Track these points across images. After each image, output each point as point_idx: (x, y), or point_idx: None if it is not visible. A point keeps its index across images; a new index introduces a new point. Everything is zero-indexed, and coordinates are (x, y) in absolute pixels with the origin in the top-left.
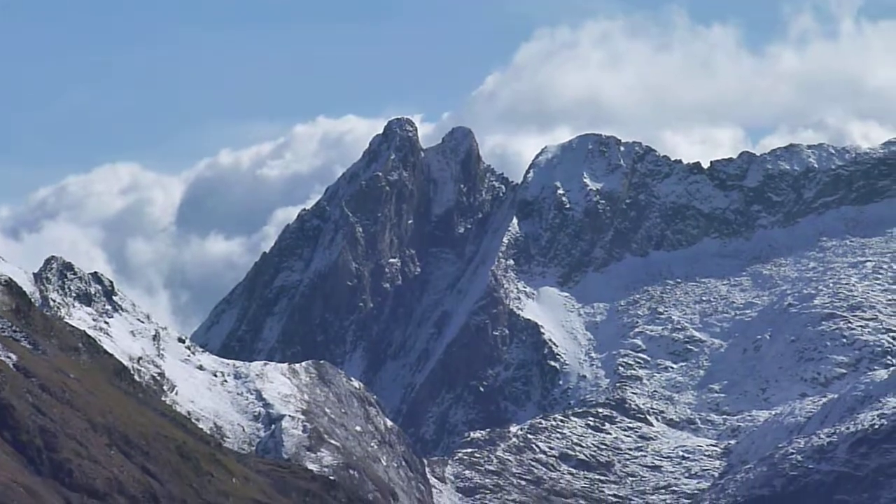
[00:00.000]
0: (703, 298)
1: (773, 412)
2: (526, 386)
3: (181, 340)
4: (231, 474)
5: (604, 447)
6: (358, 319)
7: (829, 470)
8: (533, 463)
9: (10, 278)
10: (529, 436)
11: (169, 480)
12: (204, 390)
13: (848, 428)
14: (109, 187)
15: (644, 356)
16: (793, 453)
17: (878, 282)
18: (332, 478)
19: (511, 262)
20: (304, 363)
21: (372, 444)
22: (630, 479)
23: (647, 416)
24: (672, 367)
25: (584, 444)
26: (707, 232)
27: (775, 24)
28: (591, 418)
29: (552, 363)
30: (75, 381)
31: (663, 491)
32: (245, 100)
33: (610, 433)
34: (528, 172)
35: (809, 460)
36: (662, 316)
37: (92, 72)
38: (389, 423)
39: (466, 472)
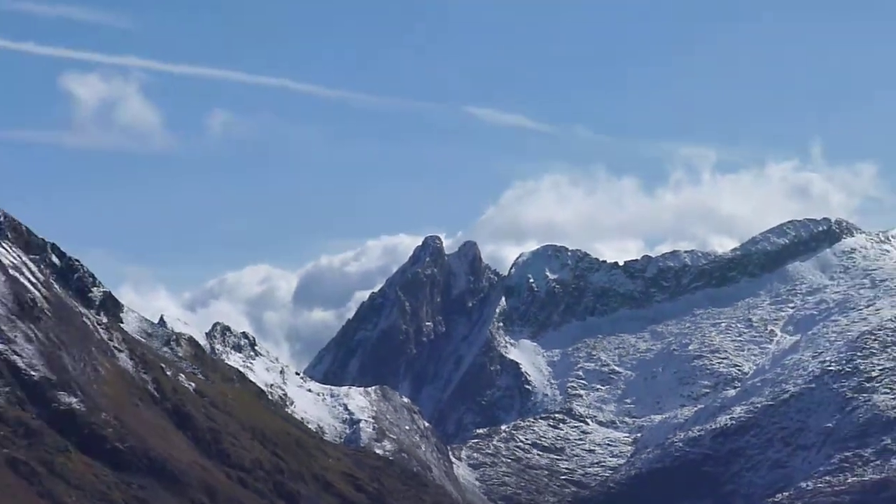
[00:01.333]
0: (620, 346)
1: (664, 416)
2: (511, 400)
3: (297, 374)
4: (328, 456)
5: (559, 438)
6: (406, 360)
7: (698, 452)
8: (516, 448)
9: (191, 336)
10: (513, 431)
11: (290, 460)
12: (311, 404)
13: (711, 426)
14: (252, 279)
15: (583, 382)
16: (677, 442)
17: (728, 335)
18: (391, 458)
19: (501, 324)
20: (373, 388)
21: (415, 437)
22: (575, 457)
23: (586, 419)
24: (601, 388)
25: (546, 437)
26: (622, 305)
27: (661, 175)
28: (550, 420)
29: (527, 386)
30: (231, 400)
31: (596, 465)
32: (336, 223)
33: (562, 430)
34: (511, 269)
35: (687, 446)
36: (595, 357)
37: (240, 205)
38: (426, 424)
39: (475, 454)
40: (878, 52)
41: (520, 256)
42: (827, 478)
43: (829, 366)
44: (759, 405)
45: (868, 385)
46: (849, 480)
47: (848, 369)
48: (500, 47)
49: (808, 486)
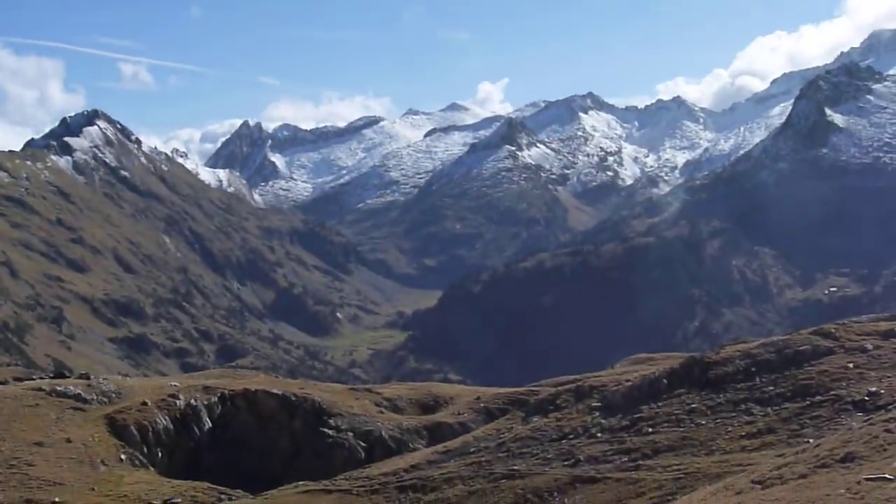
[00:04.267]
0: None
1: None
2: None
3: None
4: (213, 191)
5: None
6: (239, 163)
7: None
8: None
9: (164, 152)
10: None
11: (198, 193)
12: (209, 174)
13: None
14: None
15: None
16: None
17: None
18: (234, 193)
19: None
20: (226, 171)
21: (241, 187)
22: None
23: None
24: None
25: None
26: None
27: None
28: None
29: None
30: (180, 173)
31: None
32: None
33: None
34: None
35: None
36: None
37: None
38: (244, 182)
39: (262, 195)
40: None
41: None
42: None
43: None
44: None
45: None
46: None
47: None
48: None
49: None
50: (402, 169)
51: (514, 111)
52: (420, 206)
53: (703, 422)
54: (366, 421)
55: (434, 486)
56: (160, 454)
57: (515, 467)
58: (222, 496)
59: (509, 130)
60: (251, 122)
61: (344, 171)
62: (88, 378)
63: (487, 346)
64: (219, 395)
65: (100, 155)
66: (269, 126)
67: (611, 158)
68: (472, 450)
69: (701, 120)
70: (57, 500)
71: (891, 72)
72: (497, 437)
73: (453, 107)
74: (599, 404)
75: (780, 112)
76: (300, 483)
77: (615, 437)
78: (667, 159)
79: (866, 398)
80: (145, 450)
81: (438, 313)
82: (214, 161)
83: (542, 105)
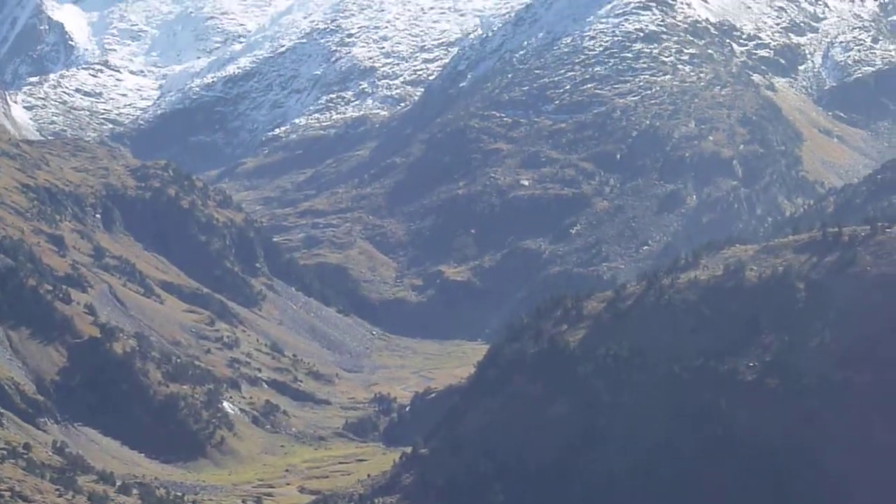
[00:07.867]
0: (147, 9)
1: (184, 66)
2: (57, 54)
3: None
4: None
5: (98, 85)
6: None
7: (211, 95)
8: (62, 93)
9: None
10: (60, 80)
11: None
12: None
13: (221, 74)
14: None
15: (117, 38)
16: (194, 87)
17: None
18: None
19: None
20: None
21: None
22: (112, 101)
23: (119, 69)
24: (132, 44)
25: (87, 84)
26: None
27: None
28: (90, 70)
29: (70, 42)
30: None
31: (129, 107)
32: None
33: (100, 78)
34: None
35: (202, 90)
36: (126, 18)
37: None
38: None
39: (29, 98)
40: None
41: None
42: (316, 115)
43: (317, 25)
44: (260, 57)
45: (348, 40)
46: (333, 117)
47: (332, 27)
48: None
49: (301, 122)
50: (365, 28)
51: None
52: (429, 112)
53: None
54: None
55: None
56: None
57: None
58: None
59: None
60: None
61: (234, 41)
62: None
63: None
64: None
65: None
66: None
67: None
68: None
69: None
70: None
71: None
72: None
73: None
74: None
75: None
76: None
77: None
78: None
79: None
80: None
81: (480, 400)
82: None
83: None
